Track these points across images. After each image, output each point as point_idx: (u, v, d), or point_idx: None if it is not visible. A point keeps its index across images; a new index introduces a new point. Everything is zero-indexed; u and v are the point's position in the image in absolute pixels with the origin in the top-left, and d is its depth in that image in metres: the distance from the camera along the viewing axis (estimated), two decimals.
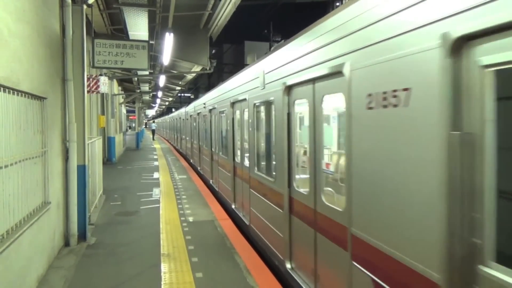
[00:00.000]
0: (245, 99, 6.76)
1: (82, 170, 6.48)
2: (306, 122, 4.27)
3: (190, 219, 7.79)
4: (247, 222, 6.97)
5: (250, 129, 6.54)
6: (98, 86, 8.92)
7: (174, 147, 29.03)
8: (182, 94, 48.15)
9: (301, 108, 4.61)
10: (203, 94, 15.59)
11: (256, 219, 6.32)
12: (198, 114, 14.30)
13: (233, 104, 7.96)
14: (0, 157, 3.72)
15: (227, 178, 8.99)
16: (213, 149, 11.25)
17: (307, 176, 4.18)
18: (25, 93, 4.48)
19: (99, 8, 9.41)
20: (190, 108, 17.89)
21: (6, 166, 3.84)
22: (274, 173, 5.21)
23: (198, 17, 11.49)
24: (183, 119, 21.58)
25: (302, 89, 4.26)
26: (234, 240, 6.43)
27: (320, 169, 3.93)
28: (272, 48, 5.72)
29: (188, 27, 12.00)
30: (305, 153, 4.56)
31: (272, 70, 5.19)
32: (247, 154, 7.04)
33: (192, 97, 48.32)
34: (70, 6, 6.14)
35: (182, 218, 7.83)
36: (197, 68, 15.48)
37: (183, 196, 10.07)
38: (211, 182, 11.60)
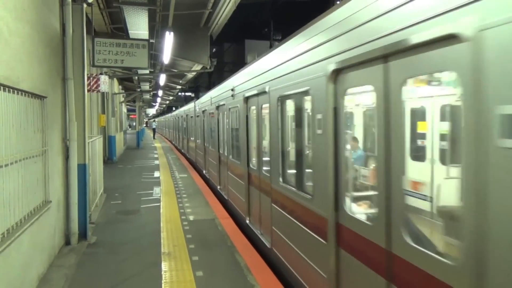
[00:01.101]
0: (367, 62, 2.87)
1: (82, 169, 6.48)
2: None
3: (191, 217, 7.80)
4: None
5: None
6: (98, 85, 8.92)
7: (179, 150, 27.86)
8: (183, 93, 48.14)
9: None
10: (204, 93, 15.40)
11: None
12: (218, 107, 10.11)
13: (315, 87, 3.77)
14: (1, 156, 3.72)
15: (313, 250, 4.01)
16: (251, 167, 6.77)
17: None
18: (25, 92, 4.48)
19: (99, 7, 9.40)
20: (203, 101, 13.61)
21: (6, 165, 3.85)
22: None
23: (198, 16, 11.49)
24: (192, 117, 17.23)
25: None
26: (234, 238, 6.43)
27: None
28: None
29: (188, 26, 11.99)
30: None
31: None
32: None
33: (193, 96, 48.23)
34: (70, 5, 6.14)
35: (183, 217, 7.83)
36: (197, 67, 15.47)
37: (184, 195, 10.07)
38: (247, 221, 7.05)
